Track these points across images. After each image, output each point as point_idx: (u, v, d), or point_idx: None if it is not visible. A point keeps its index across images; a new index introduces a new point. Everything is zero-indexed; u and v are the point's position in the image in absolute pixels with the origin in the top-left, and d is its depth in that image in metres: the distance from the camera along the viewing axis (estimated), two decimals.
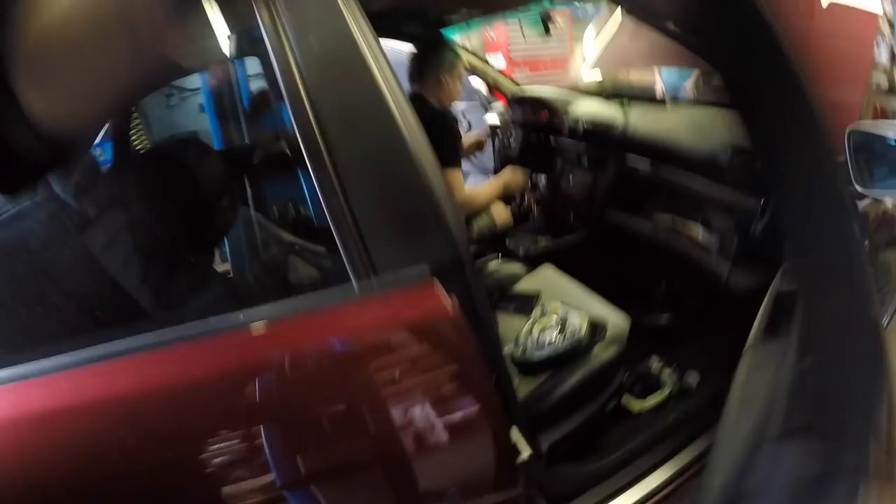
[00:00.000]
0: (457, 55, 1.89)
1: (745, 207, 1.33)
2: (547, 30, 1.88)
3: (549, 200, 2.26)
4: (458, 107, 3.29)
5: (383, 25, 2.00)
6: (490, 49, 5.37)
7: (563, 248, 2.02)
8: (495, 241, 2.13)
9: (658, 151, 1.66)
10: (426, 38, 2.01)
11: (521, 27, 2.02)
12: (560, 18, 5.68)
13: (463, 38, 5.27)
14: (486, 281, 1.65)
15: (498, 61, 5.24)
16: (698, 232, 1.56)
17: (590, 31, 3.29)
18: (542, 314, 1.28)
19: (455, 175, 1.81)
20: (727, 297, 1.39)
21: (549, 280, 1.57)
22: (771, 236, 1.26)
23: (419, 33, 2.11)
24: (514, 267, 1.69)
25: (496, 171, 2.87)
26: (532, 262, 1.91)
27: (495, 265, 1.72)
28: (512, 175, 2.05)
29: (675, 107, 1.90)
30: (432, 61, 1.84)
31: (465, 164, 3.17)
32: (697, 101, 1.90)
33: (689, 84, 4.07)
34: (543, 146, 2.25)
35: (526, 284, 1.58)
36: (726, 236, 1.45)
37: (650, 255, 1.75)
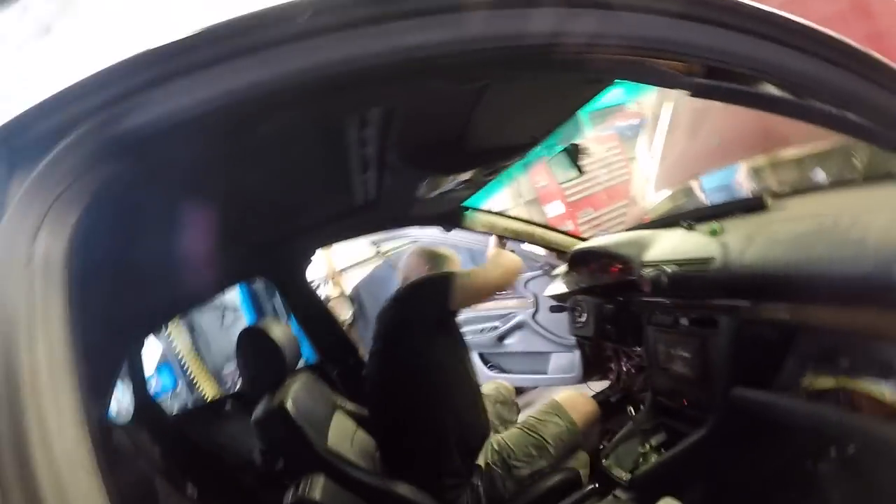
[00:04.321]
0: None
1: None
2: (578, 167, 1.49)
3: (649, 388, 1.57)
4: (522, 279, 2.76)
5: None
6: (545, 200, 5.12)
7: (682, 458, 1.28)
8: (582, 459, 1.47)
9: (787, 285, 1.00)
10: None
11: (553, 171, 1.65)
12: (606, 144, 5.42)
13: (514, 197, 5.14)
14: None
15: (556, 208, 4.94)
16: (882, 391, 0.88)
17: (641, 144, 2.83)
18: None
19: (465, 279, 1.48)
20: None
21: None
22: None
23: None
24: None
25: (580, 348, 2.26)
26: (643, 491, 1.26)
27: None
28: (501, 253, 1.64)
29: (785, 206, 1.29)
30: None
31: (546, 344, 2.51)
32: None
33: (740, 178, 3.37)
34: (624, 313, 1.66)
35: None
36: None
37: (811, 441, 1.03)
